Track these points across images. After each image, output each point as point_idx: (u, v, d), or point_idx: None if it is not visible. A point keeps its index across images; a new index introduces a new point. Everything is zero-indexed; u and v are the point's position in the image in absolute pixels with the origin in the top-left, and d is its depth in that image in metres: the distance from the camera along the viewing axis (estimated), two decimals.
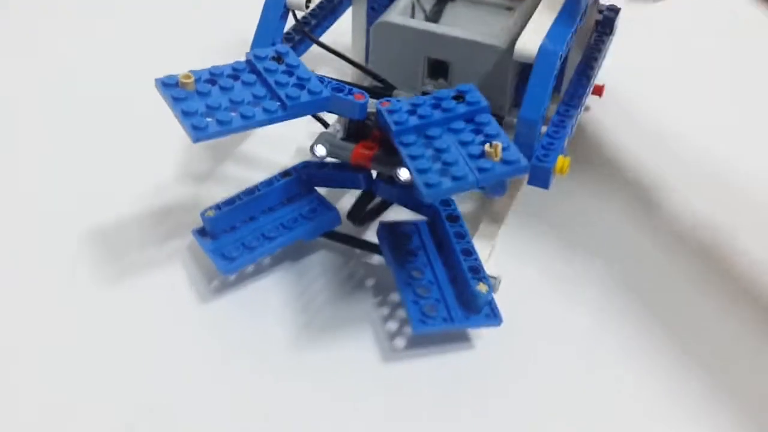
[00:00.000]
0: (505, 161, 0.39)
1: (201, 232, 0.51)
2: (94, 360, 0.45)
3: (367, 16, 0.62)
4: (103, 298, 0.49)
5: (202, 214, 0.50)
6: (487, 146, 0.40)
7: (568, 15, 0.49)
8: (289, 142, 0.61)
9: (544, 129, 0.49)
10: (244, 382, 0.44)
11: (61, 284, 0.50)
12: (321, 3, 0.62)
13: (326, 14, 0.62)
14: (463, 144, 0.41)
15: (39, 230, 0.54)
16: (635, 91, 0.68)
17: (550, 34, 0.47)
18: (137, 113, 0.64)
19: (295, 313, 0.48)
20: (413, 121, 0.43)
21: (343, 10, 0.64)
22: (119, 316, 0.48)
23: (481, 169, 0.39)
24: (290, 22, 0.55)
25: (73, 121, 0.64)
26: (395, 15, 0.55)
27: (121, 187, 0.57)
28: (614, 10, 0.61)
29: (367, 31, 0.62)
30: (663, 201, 0.58)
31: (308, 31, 0.54)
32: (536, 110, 0.46)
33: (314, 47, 0.58)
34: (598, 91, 0.65)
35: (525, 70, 0.54)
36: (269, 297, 0.50)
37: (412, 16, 0.56)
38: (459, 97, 0.44)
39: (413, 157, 0.41)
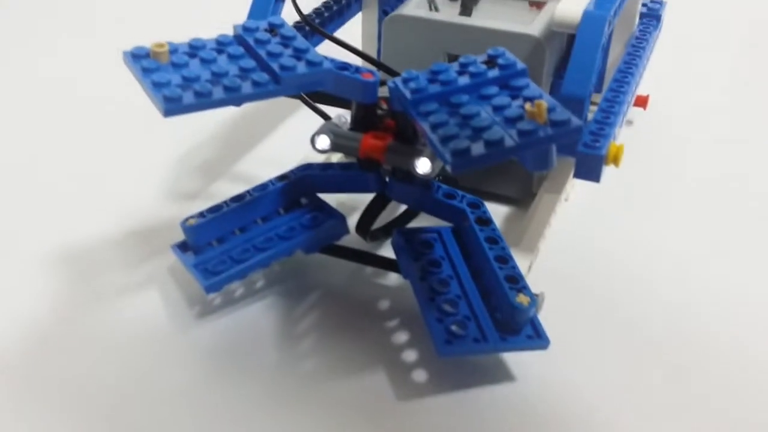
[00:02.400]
0: (552, 122, 0.31)
1: (182, 247, 0.43)
2: (59, 395, 0.38)
3: (379, 20, 0.56)
4: (70, 326, 0.42)
5: (183, 224, 0.42)
6: (528, 105, 0.32)
7: None
8: (289, 159, 0.53)
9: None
10: (233, 421, 0.37)
11: (22, 309, 0.43)
12: (327, 2, 0.55)
13: (332, 16, 0.55)
14: (497, 109, 0.33)
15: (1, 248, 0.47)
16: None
17: (595, 1, 0.40)
18: (122, 124, 0.58)
19: (293, 342, 0.41)
20: (434, 88, 0.35)
21: (352, 14, 0.57)
22: (88, 346, 0.41)
23: (521, 132, 0.31)
24: (293, 16, 0.48)
25: (50, 130, 0.58)
26: (411, 8, 0.48)
27: (98, 203, 0.51)
28: (659, 2, 0.53)
29: (379, 36, 0.56)
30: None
31: (311, 22, 0.47)
32: (582, 85, 0.38)
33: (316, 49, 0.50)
34: (642, 102, 0.57)
35: (564, 61, 0.47)
36: (262, 323, 0.42)
37: None
38: (489, 62, 0.36)
39: (435, 126, 0.33)
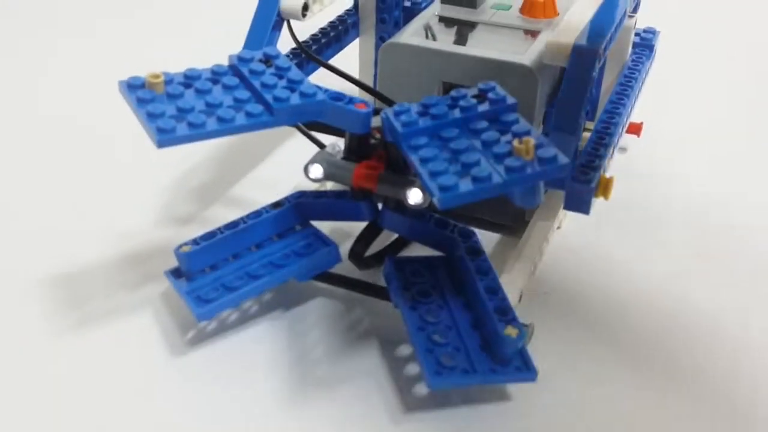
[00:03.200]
0: (539, 159, 0.31)
1: (175, 273, 0.43)
2: (50, 422, 0.38)
3: (376, 47, 0.57)
4: (60, 352, 0.42)
5: (176, 250, 0.42)
6: (516, 142, 0.32)
7: (605, 13, 0.42)
8: (283, 184, 0.53)
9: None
10: None
11: (11, 335, 0.43)
12: (323, 28, 0.55)
13: (330, 42, 0.55)
14: (486, 144, 0.33)
15: None
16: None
17: (585, 34, 0.40)
18: (114, 147, 0.58)
19: (287, 369, 0.41)
20: (425, 122, 0.35)
21: (350, 41, 0.58)
22: (78, 373, 0.41)
23: (509, 169, 0.31)
24: (289, 44, 0.48)
25: (42, 155, 0.58)
26: (407, 36, 0.48)
27: (91, 227, 0.51)
28: (651, 32, 0.54)
29: (376, 64, 0.56)
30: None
31: (308, 50, 0.47)
32: (572, 119, 0.38)
33: (312, 76, 0.51)
34: (636, 129, 0.57)
35: (556, 89, 0.47)
36: (255, 351, 0.42)
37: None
38: (479, 96, 0.36)
39: (424, 160, 0.33)
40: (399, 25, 0.55)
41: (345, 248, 0.45)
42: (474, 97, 0.36)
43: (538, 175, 0.31)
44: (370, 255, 0.45)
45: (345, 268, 0.44)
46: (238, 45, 0.46)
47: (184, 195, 0.54)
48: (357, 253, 0.44)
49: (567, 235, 0.50)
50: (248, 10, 0.48)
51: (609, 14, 0.42)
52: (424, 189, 0.39)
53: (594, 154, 0.40)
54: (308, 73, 0.52)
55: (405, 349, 0.42)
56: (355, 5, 0.56)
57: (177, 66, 0.40)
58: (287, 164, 0.56)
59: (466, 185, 0.31)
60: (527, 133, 0.33)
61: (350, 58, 0.57)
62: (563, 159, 0.31)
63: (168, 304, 0.44)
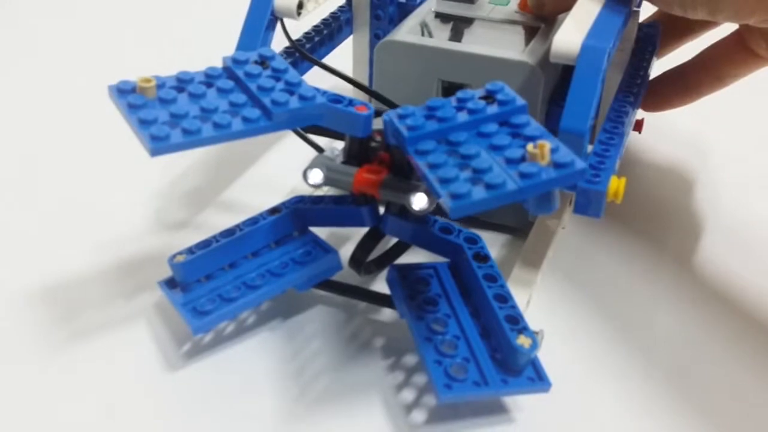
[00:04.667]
0: (555, 164, 0.30)
1: (170, 284, 0.41)
2: None
3: (370, 44, 0.55)
4: (51, 369, 0.40)
5: (170, 260, 0.40)
6: (530, 146, 0.30)
7: (611, 11, 0.40)
8: (280, 185, 0.52)
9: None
10: None
11: (1, 348, 0.41)
12: (317, 26, 0.54)
13: (323, 40, 0.54)
14: (497, 149, 0.32)
15: None
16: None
17: (593, 31, 0.39)
18: (104, 152, 0.56)
19: (287, 382, 0.39)
20: (431, 125, 0.34)
21: (343, 38, 0.56)
22: (70, 390, 0.39)
23: (523, 175, 0.30)
24: (282, 42, 0.47)
25: (25, 157, 0.56)
26: (403, 33, 0.47)
27: (81, 235, 0.49)
28: (654, 26, 0.52)
29: (370, 62, 0.55)
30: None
31: (301, 48, 0.45)
32: (581, 119, 0.37)
33: (307, 74, 0.49)
34: (638, 126, 0.56)
35: (558, 87, 0.46)
36: (253, 363, 0.40)
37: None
38: (488, 97, 0.35)
39: (433, 166, 0.31)
40: (394, 21, 0.53)
41: (343, 253, 0.43)
42: (482, 98, 0.35)
43: (555, 181, 0.30)
44: (370, 260, 0.43)
45: (344, 274, 0.43)
46: (227, 45, 0.44)
47: (175, 199, 0.52)
48: (358, 260, 0.42)
49: (572, 235, 0.48)
50: (236, 9, 0.46)
51: (617, 10, 0.41)
52: (430, 194, 0.37)
53: (604, 155, 0.39)
54: (301, 73, 0.50)
55: (410, 359, 0.40)
56: (349, 2, 0.54)
57: (167, 69, 0.38)
58: (281, 166, 0.55)
59: (479, 193, 0.29)
60: (541, 136, 0.32)
61: (340, 56, 0.55)
62: (580, 164, 0.30)
63: (162, 315, 0.43)
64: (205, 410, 0.38)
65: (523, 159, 0.31)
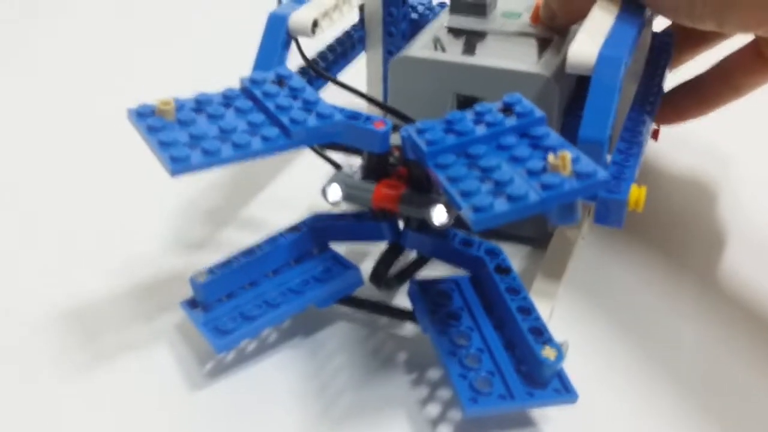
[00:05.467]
0: (577, 174, 0.30)
1: (191, 304, 0.41)
2: None
3: (384, 61, 0.55)
4: (72, 393, 0.40)
5: (192, 280, 0.41)
6: (551, 157, 0.30)
7: (625, 21, 0.40)
8: (299, 203, 0.52)
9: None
10: None
11: (20, 377, 0.41)
12: (330, 45, 0.54)
13: (337, 58, 0.54)
14: (518, 161, 0.32)
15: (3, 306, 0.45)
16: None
17: (609, 41, 0.39)
18: (122, 172, 0.56)
19: (310, 399, 0.39)
20: (450, 139, 0.34)
21: (356, 55, 0.56)
22: (93, 410, 0.39)
23: (546, 186, 0.30)
24: (297, 61, 0.47)
25: (49, 183, 0.56)
26: (417, 49, 0.47)
27: (101, 256, 0.49)
28: (668, 35, 0.52)
29: (384, 78, 0.55)
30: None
31: (319, 69, 0.46)
32: (600, 128, 0.37)
33: (320, 92, 0.49)
34: (654, 134, 0.56)
35: (573, 99, 0.46)
36: (276, 380, 0.40)
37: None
38: (506, 110, 0.35)
39: (454, 180, 0.31)
40: (407, 38, 0.54)
41: (362, 269, 0.43)
42: (500, 111, 0.35)
43: (578, 191, 0.30)
44: (391, 275, 0.43)
45: (365, 290, 0.43)
46: (243, 65, 0.45)
47: (194, 218, 0.52)
48: (379, 275, 0.42)
49: (591, 246, 0.48)
50: (251, 28, 0.46)
51: (631, 20, 0.41)
52: (449, 207, 0.37)
53: (623, 164, 0.39)
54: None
55: (433, 374, 0.40)
56: (361, 19, 0.55)
57: (185, 91, 0.39)
58: (299, 182, 0.55)
59: (501, 205, 0.29)
60: (562, 146, 0.32)
61: (352, 73, 0.55)
62: (603, 174, 0.30)
63: (184, 336, 0.43)
64: (229, 429, 0.38)
65: (544, 170, 0.31)
